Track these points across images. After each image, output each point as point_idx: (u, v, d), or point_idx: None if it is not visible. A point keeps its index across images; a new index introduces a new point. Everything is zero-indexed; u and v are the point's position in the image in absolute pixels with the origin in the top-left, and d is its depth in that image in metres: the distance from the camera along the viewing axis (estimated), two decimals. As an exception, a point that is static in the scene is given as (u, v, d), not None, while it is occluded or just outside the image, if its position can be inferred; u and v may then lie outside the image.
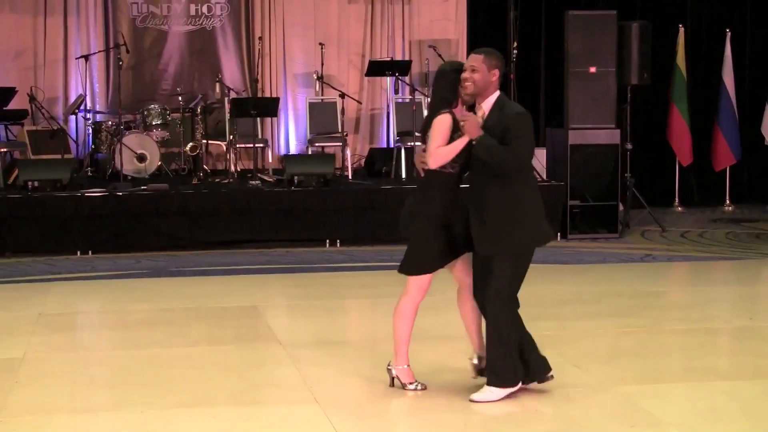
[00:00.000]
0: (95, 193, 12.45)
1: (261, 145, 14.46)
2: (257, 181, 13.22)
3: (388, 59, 15.39)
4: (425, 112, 14.59)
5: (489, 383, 6.60)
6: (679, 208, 15.78)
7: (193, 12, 15.36)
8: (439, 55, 14.95)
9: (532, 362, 6.72)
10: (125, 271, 11.27)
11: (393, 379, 6.81)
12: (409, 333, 6.78)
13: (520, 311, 6.65)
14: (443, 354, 7.68)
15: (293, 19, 15.53)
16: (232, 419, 6.35)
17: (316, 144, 14.41)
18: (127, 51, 14.35)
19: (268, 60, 15.46)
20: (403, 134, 14.14)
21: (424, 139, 6.63)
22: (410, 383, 6.77)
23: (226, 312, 9.37)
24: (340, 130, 14.26)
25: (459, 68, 6.61)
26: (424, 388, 6.77)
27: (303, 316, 9.39)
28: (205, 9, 15.37)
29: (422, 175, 6.62)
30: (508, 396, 6.58)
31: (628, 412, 6.45)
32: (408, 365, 6.81)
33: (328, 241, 12.68)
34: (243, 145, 14.13)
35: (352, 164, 14.43)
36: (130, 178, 13.21)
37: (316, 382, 7.02)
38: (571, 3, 14.55)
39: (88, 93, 14.71)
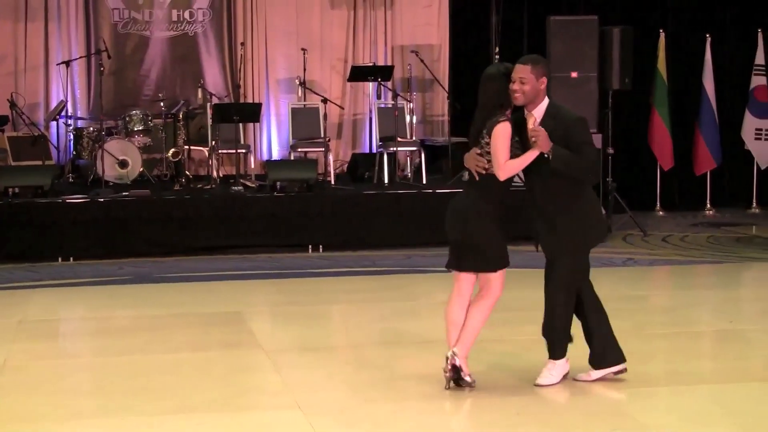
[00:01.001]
0: (77, 199, 12.43)
1: (243, 150, 14.42)
2: (240, 187, 13.19)
3: (371, 64, 15.41)
4: (408, 118, 14.66)
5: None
6: (661, 213, 15.83)
7: (175, 18, 15.36)
8: (422, 61, 15.00)
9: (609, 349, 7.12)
10: (108, 278, 11.25)
11: (454, 367, 6.84)
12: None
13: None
14: (424, 359, 7.67)
15: (275, 25, 15.54)
16: (215, 425, 6.34)
17: (299, 149, 14.40)
18: (109, 57, 14.31)
19: (251, 65, 15.47)
20: (386, 139, 14.13)
21: (475, 142, 6.75)
22: (469, 375, 6.92)
23: (210, 318, 9.36)
24: (322, 136, 14.26)
25: (507, 72, 6.73)
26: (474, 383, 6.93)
27: (286, 321, 9.38)
28: (187, 15, 15.37)
29: (477, 178, 6.75)
30: (490, 399, 6.62)
31: (612, 416, 6.47)
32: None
33: (311, 246, 12.68)
34: (225, 151, 14.09)
35: (334, 169, 14.44)
36: (111, 184, 13.17)
37: (299, 388, 7.02)
38: (553, 8, 14.60)
39: (69, 99, 14.67)
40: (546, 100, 6.76)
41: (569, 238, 6.82)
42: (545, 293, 7.13)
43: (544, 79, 6.73)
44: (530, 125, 6.62)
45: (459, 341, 6.85)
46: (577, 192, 6.78)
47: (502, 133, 6.60)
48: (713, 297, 10.51)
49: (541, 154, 6.61)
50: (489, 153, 6.66)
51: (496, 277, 6.89)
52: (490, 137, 6.64)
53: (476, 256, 6.81)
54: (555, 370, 7.02)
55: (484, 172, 6.69)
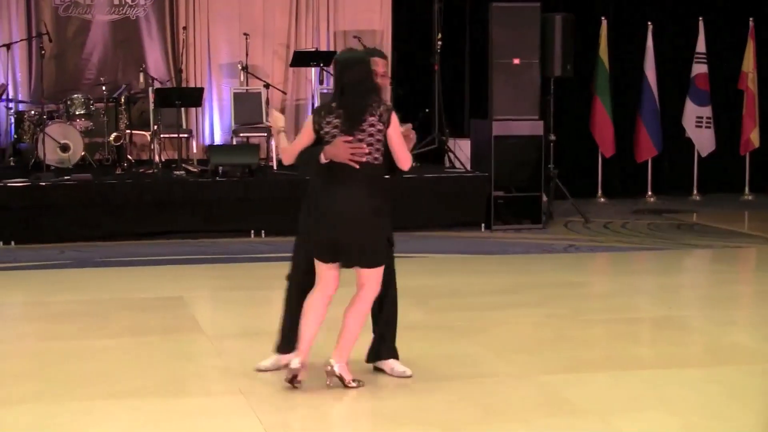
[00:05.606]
0: (18, 183, 12.34)
1: (185, 135, 14.40)
2: (182, 172, 13.16)
3: (313, 50, 15.39)
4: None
5: (396, 357, 6.97)
6: (602, 199, 15.94)
7: (116, 1, 15.25)
8: (364, 46, 14.98)
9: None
10: (49, 262, 11.18)
11: (337, 377, 6.63)
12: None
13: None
14: (364, 345, 7.71)
15: (217, 9, 15.48)
16: (155, 411, 6.33)
17: (241, 134, 14.38)
18: (50, 40, 14.18)
19: (193, 50, 15.40)
20: (329, 125, 14.10)
21: (352, 128, 6.41)
22: (352, 380, 6.67)
23: (151, 303, 9.33)
24: (264, 121, 14.25)
25: (368, 57, 6.74)
26: (362, 385, 6.70)
27: (228, 306, 9.39)
28: (128, -2, 15.31)
29: (357, 167, 6.44)
30: (428, 383, 6.69)
31: (549, 401, 6.53)
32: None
33: (253, 231, 12.67)
34: (167, 136, 14.07)
35: (276, 154, 14.42)
36: (53, 168, 13.08)
37: (242, 374, 7.02)
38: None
39: (10, 82, 14.57)
40: None
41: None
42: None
43: None
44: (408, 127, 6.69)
45: (338, 348, 6.62)
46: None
47: (398, 122, 6.53)
48: (652, 284, 10.63)
49: None
50: (378, 141, 6.44)
51: (379, 273, 6.64)
52: (384, 124, 6.43)
53: (366, 251, 6.54)
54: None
55: (363, 160, 6.39)
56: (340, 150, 6.40)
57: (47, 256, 11.46)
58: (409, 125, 6.75)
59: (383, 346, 7.01)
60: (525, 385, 6.86)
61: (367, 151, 6.41)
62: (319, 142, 6.51)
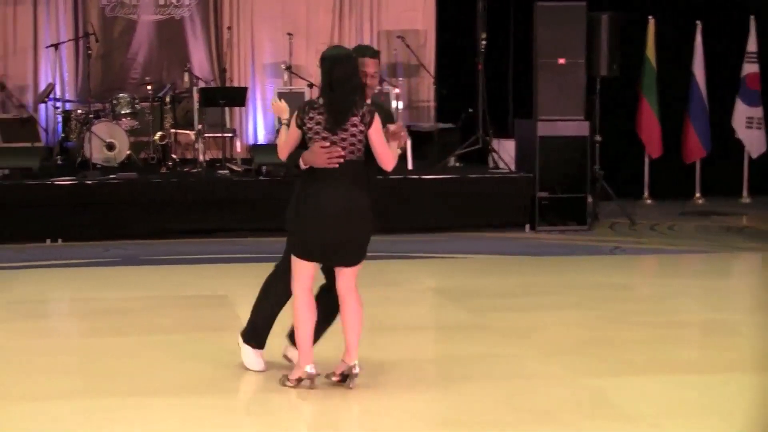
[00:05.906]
0: (65, 181, 12.44)
1: (229, 134, 14.45)
2: (226, 171, 13.21)
3: (357, 50, 15.37)
4: (393, 103, 14.64)
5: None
6: (649, 201, 15.80)
7: (162, 2, 15.34)
8: (408, 46, 15.00)
9: None
10: (94, 260, 11.25)
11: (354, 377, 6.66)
12: None
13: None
14: (408, 345, 7.68)
15: (261, 9, 15.52)
16: (201, 407, 6.34)
17: (285, 134, 14.38)
18: (97, 40, 14.33)
19: (237, 50, 15.47)
20: (372, 124, 14.09)
21: (334, 128, 6.45)
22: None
23: (196, 301, 9.36)
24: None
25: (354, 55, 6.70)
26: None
27: (271, 306, 9.37)
28: (174, -1, 15.39)
29: (337, 165, 6.46)
30: (473, 385, 6.65)
31: (595, 405, 6.48)
32: None
33: (296, 230, 12.67)
34: (211, 135, 14.12)
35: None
36: (99, 166, 13.16)
37: (287, 371, 7.00)
38: (540, -7, 14.57)
39: (57, 81, 14.68)
40: None
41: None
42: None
43: None
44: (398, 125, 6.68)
45: (348, 349, 6.66)
46: None
47: (380, 124, 6.53)
48: (700, 287, 10.45)
49: None
50: (360, 141, 6.45)
51: (356, 270, 6.67)
52: (365, 125, 6.44)
53: (356, 250, 6.60)
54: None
55: (342, 161, 6.41)
56: (317, 156, 6.44)
57: (92, 254, 11.52)
58: (400, 123, 6.79)
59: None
60: (570, 387, 6.80)
61: (342, 153, 6.42)
62: (303, 137, 6.53)
